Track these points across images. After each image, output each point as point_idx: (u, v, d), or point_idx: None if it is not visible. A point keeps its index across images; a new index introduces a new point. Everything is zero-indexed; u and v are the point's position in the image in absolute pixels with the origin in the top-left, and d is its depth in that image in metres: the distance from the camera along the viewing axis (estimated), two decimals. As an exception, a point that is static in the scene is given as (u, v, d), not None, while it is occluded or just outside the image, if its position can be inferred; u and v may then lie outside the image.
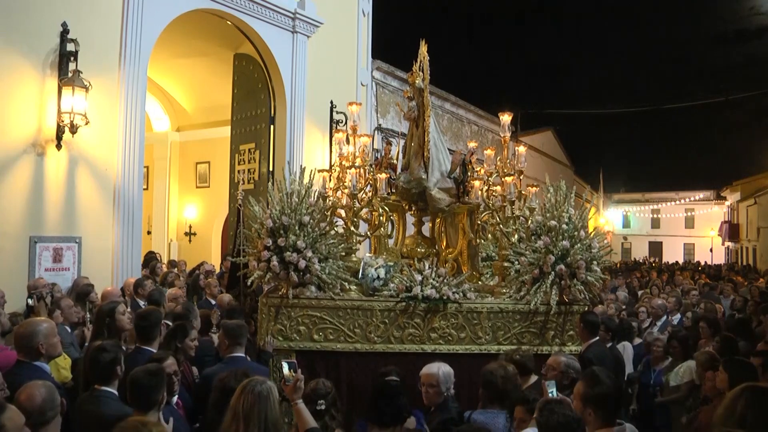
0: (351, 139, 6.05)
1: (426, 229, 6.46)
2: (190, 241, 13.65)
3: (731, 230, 36.31)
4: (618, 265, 24.50)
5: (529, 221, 5.33)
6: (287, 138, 10.19)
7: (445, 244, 6.15)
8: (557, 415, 2.83)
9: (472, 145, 6.73)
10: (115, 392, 3.45)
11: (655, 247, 43.81)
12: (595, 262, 5.07)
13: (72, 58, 6.82)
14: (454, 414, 3.84)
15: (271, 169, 10.10)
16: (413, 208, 6.25)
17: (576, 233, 5.05)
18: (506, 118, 5.88)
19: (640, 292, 11.11)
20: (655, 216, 44.56)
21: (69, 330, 5.14)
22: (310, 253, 4.95)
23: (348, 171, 5.63)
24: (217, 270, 9.15)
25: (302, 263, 4.92)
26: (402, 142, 6.48)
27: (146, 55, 7.90)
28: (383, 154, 6.42)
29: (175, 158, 13.89)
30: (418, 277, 5.11)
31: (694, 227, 43.11)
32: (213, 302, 6.86)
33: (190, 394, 4.17)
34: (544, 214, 5.24)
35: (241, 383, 2.98)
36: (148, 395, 3.13)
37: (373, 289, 5.19)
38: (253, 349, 5.05)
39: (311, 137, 10.70)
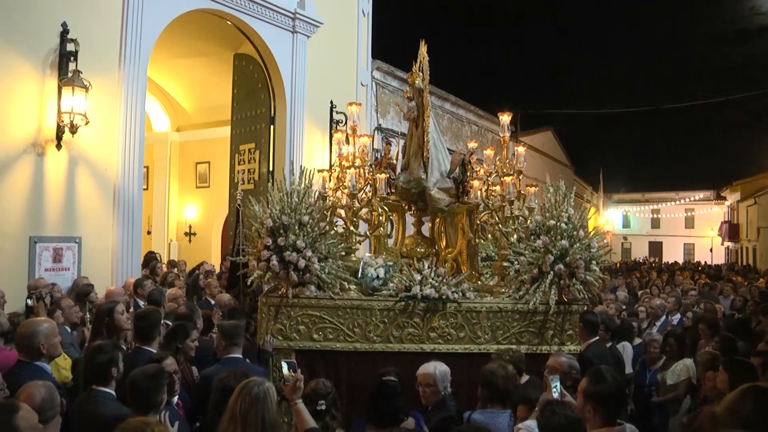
0: (351, 139, 6.05)
1: (426, 229, 6.46)
2: (190, 241, 13.66)
3: (731, 230, 36.32)
4: (618, 265, 24.49)
5: (529, 221, 5.33)
6: (287, 138, 10.19)
7: (444, 243, 6.16)
8: (558, 416, 2.83)
9: (472, 145, 6.74)
10: (113, 392, 3.45)
11: (655, 247, 43.82)
12: (594, 262, 5.08)
13: (72, 58, 6.83)
14: (453, 413, 3.84)
15: (271, 169, 10.11)
16: (413, 208, 6.25)
17: (575, 233, 5.06)
18: (505, 118, 5.88)
19: (639, 293, 11.11)
20: (655, 216, 44.57)
21: (69, 330, 5.15)
22: (309, 253, 4.96)
23: (347, 171, 5.64)
24: (217, 270, 9.16)
25: (302, 263, 4.93)
26: (402, 142, 6.49)
27: (146, 55, 7.90)
28: (383, 154, 6.43)
29: (175, 158, 13.90)
30: (418, 277, 5.12)
31: (694, 227, 43.13)
32: (213, 302, 6.87)
33: (189, 394, 4.17)
34: (543, 213, 5.25)
35: (240, 384, 2.98)
36: (148, 398, 3.14)
37: (372, 288, 5.20)
38: (253, 348, 5.06)
39: (311, 137, 10.70)
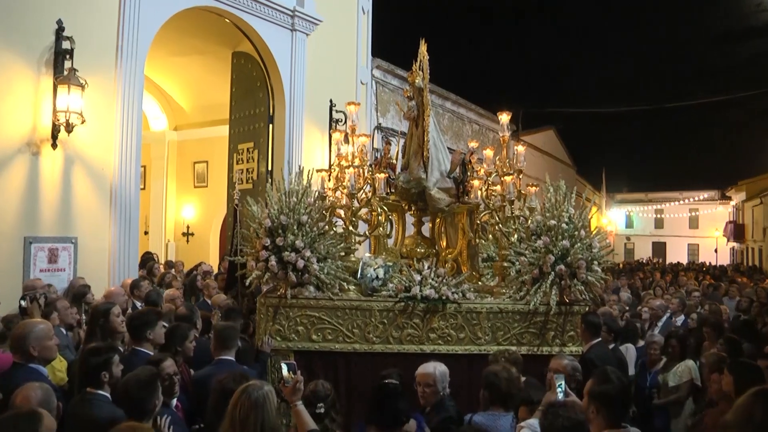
0: (350, 138, 6.05)
1: (426, 229, 6.47)
2: (187, 241, 13.66)
3: (736, 230, 36.29)
4: (621, 266, 24.47)
5: (529, 221, 5.33)
6: (286, 137, 10.18)
7: (444, 244, 6.16)
8: (561, 418, 2.84)
9: (472, 144, 6.74)
10: (107, 395, 3.45)
11: (659, 248, 43.81)
12: (595, 262, 5.08)
13: (67, 56, 6.81)
14: (453, 413, 3.86)
15: (269, 168, 10.11)
16: (413, 208, 6.26)
17: (576, 233, 5.06)
18: (505, 117, 5.88)
19: (643, 293, 11.10)
20: (658, 216, 44.56)
21: (65, 332, 5.15)
22: (308, 253, 4.97)
23: (346, 171, 5.64)
24: (215, 271, 9.15)
25: (300, 263, 4.93)
26: (402, 141, 6.49)
27: (143, 53, 7.90)
28: (383, 153, 6.43)
29: (173, 157, 13.89)
30: (417, 277, 5.13)
31: (698, 227, 43.12)
32: (211, 303, 6.86)
33: (187, 396, 4.18)
34: (544, 213, 5.25)
35: (238, 389, 2.98)
36: (141, 405, 3.16)
37: (371, 289, 5.20)
38: (251, 349, 5.06)
39: (310, 136, 10.70)
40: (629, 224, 46.31)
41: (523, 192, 5.86)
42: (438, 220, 6.19)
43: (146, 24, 7.88)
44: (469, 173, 5.96)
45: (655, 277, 16.87)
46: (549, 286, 5.03)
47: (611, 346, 5.88)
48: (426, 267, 5.29)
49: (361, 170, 5.85)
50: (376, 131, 12.61)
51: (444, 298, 5.06)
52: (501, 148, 5.93)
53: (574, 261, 4.98)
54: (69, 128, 6.75)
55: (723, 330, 6.03)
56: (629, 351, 6.47)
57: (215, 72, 11.43)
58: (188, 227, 13.73)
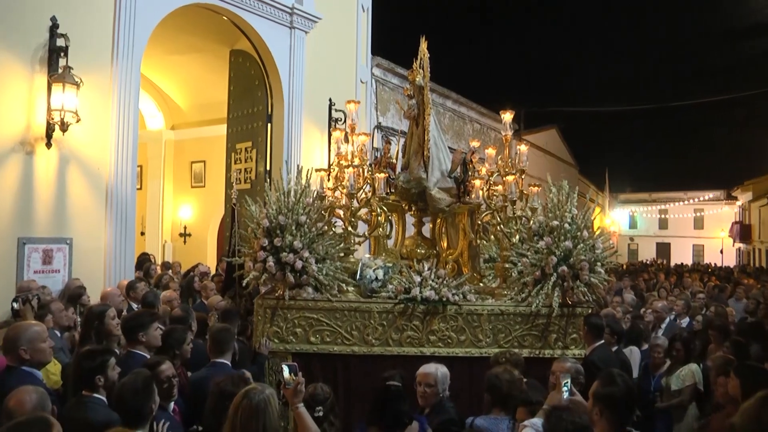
0: (349, 137, 6.04)
1: (427, 230, 6.45)
2: (185, 242, 13.64)
3: (743, 231, 36.24)
4: (625, 267, 24.44)
5: (531, 221, 5.32)
6: (285, 136, 10.18)
7: (445, 244, 6.15)
8: (564, 422, 2.85)
9: (474, 143, 6.73)
10: (103, 398, 3.45)
11: (663, 249, 43.76)
12: (598, 264, 5.07)
13: (62, 54, 6.80)
14: (453, 414, 3.86)
15: (268, 168, 10.10)
16: (413, 209, 6.25)
17: (579, 233, 5.05)
18: (507, 116, 5.87)
19: (646, 295, 11.08)
20: (662, 216, 44.52)
21: (59, 334, 5.14)
22: (307, 254, 4.96)
23: (345, 170, 5.63)
24: (213, 272, 9.15)
25: (299, 264, 4.92)
26: (402, 140, 6.48)
27: (140, 51, 7.89)
28: (382, 153, 6.42)
29: (170, 157, 13.88)
30: (417, 279, 5.11)
31: (703, 228, 43.07)
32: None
33: (184, 399, 4.18)
34: (546, 214, 5.24)
35: (239, 392, 2.96)
36: (137, 412, 3.16)
37: (371, 290, 5.20)
38: (249, 351, 5.05)
39: (309, 136, 10.69)
40: (633, 225, 46.28)
41: (525, 192, 5.85)
42: (439, 220, 6.18)
43: (143, 21, 7.88)
44: (470, 173, 5.94)
45: (660, 278, 16.84)
46: (551, 287, 5.01)
47: (614, 348, 5.86)
48: (426, 268, 5.28)
49: (360, 170, 5.84)
50: (376, 130, 12.60)
51: (444, 299, 5.05)
52: (503, 147, 5.92)
53: (577, 262, 4.97)
54: (64, 127, 6.74)
55: (729, 332, 6.01)
56: (633, 354, 6.45)
57: (213, 70, 11.43)
58: (185, 228, 13.72)
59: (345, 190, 5.59)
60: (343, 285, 5.18)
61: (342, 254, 5.31)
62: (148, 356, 4.16)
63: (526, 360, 4.59)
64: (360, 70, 12.05)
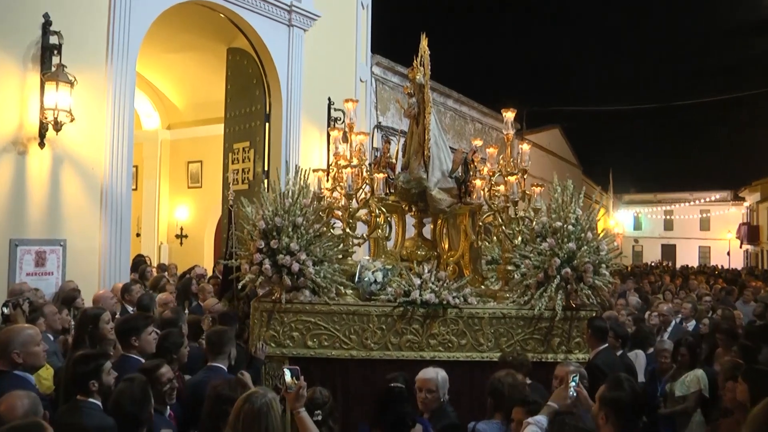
0: (348, 137, 6.03)
1: (428, 231, 6.44)
2: (181, 243, 13.63)
3: (750, 232, 36.15)
4: (629, 269, 24.41)
5: (534, 222, 5.31)
6: (283, 136, 10.18)
7: (447, 246, 6.13)
8: (568, 427, 2.84)
9: (476, 142, 6.71)
10: (98, 403, 3.43)
11: (668, 250, 43.70)
12: (603, 266, 5.05)
13: (55, 52, 6.79)
14: (455, 419, 3.86)
15: (266, 168, 10.10)
16: (413, 209, 6.23)
17: (583, 235, 5.03)
18: (509, 114, 5.85)
19: (651, 297, 11.05)
20: (668, 217, 44.43)
21: (52, 338, 5.11)
22: (304, 256, 4.95)
23: (344, 170, 5.61)
24: (209, 274, 9.14)
25: (296, 266, 4.91)
26: (402, 140, 6.47)
27: (135, 49, 7.89)
28: (382, 152, 6.40)
29: (166, 157, 13.87)
30: (417, 281, 5.09)
31: (709, 229, 43.00)
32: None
33: (180, 404, 4.16)
34: (549, 215, 5.22)
35: (241, 397, 2.95)
36: (135, 419, 3.17)
37: (369, 293, 5.18)
38: (245, 355, 5.04)
39: (308, 135, 10.69)
40: (637, 226, 46.21)
41: (527, 192, 5.82)
42: (439, 221, 6.16)
43: (138, 18, 7.87)
44: (471, 173, 5.93)
45: (665, 280, 16.80)
46: (554, 290, 5.00)
47: (619, 352, 5.83)
48: (426, 270, 5.26)
49: (359, 170, 5.82)
50: (375, 130, 12.59)
51: (445, 302, 5.03)
52: (505, 146, 5.91)
53: (581, 264, 4.95)
54: (57, 126, 6.73)
55: (737, 336, 5.96)
56: (639, 357, 6.41)
57: (210, 69, 11.42)
58: (182, 229, 13.71)
59: (343, 191, 5.58)
60: (342, 288, 5.17)
61: (340, 256, 5.29)
62: (143, 360, 4.14)
63: (528, 365, 4.57)
64: (360, 68, 12.04)
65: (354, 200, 5.60)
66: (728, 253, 39.59)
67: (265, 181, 9.48)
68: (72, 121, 6.87)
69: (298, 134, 10.40)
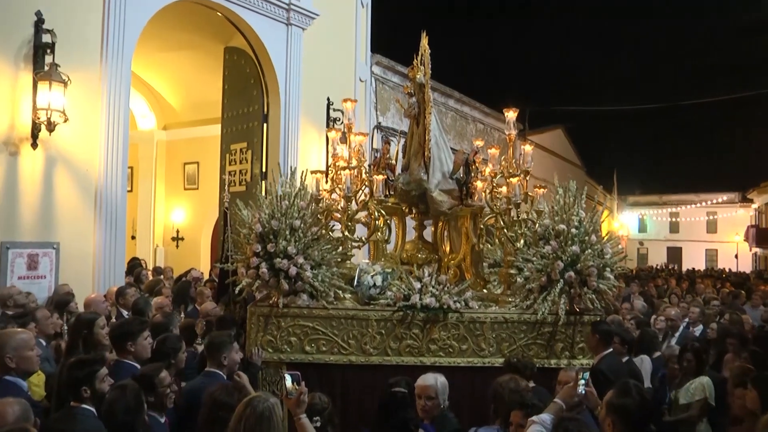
0: (347, 137, 6.02)
1: (429, 234, 6.42)
2: (177, 246, 13.63)
3: (759, 235, 35.99)
4: (634, 272, 24.38)
5: (537, 225, 5.29)
6: (281, 137, 10.18)
7: (448, 249, 6.11)
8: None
9: (478, 143, 6.70)
10: (92, 409, 3.42)
11: (674, 253, 43.61)
12: (607, 269, 5.03)
13: (48, 51, 6.79)
14: (456, 425, 3.86)
15: (264, 169, 10.09)
16: (414, 211, 6.21)
17: (587, 238, 5.01)
18: (511, 114, 5.84)
19: (656, 301, 11.01)
20: (673, 220, 44.33)
21: (44, 343, 5.10)
22: (301, 260, 4.93)
23: (342, 172, 5.60)
24: (206, 277, 9.14)
25: (293, 270, 4.90)
26: (402, 141, 6.45)
27: (130, 48, 7.89)
28: (381, 153, 6.39)
29: (162, 158, 13.88)
30: (417, 285, 5.08)
31: (716, 232, 42.89)
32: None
33: (176, 410, 4.15)
34: (552, 217, 5.20)
35: (242, 401, 2.95)
36: (128, 428, 3.17)
37: (369, 297, 5.16)
38: (242, 361, 5.01)
39: (307, 136, 10.69)
40: (642, 228, 46.15)
41: (530, 194, 5.81)
42: (440, 223, 6.14)
43: (133, 17, 7.88)
44: (472, 174, 5.91)
45: (671, 284, 16.76)
46: (558, 294, 4.98)
47: (625, 358, 5.79)
48: (426, 274, 5.24)
49: (358, 171, 5.81)
50: (375, 130, 12.59)
51: (445, 306, 5.02)
52: (507, 147, 5.89)
53: (585, 268, 4.93)
54: (50, 127, 6.73)
55: (748, 341, 5.93)
56: (644, 363, 6.37)
57: (206, 68, 11.42)
58: (178, 231, 13.70)
59: (342, 193, 5.57)
60: (340, 292, 5.15)
61: (339, 259, 5.27)
62: (137, 366, 4.13)
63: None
64: (359, 68, 12.05)
65: (353, 202, 5.59)
66: (736, 256, 39.46)
67: (263, 182, 9.48)
68: (65, 121, 6.87)
69: (297, 135, 10.40)
